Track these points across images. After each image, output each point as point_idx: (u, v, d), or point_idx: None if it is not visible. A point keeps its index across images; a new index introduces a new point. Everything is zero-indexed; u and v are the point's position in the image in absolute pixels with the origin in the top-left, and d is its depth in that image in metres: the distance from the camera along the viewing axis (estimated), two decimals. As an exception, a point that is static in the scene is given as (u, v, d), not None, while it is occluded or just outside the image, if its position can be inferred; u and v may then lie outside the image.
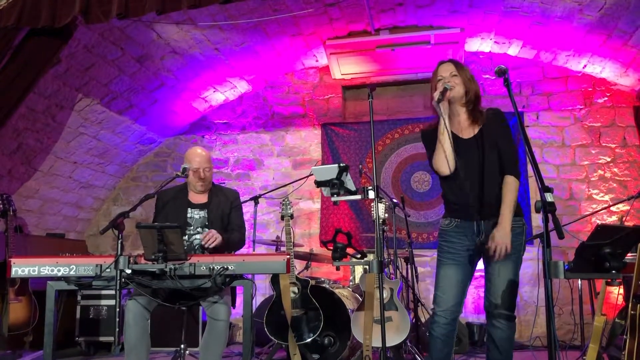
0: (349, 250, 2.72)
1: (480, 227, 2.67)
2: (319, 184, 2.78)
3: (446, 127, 2.64)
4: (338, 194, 2.73)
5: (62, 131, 5.12)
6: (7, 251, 4.34)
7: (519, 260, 2.65)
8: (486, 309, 2.68)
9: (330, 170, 2.74)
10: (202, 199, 3.44)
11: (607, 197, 5.50)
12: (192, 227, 3.35)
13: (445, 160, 2.67)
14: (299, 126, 6.35)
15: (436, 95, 2.62)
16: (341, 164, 2.75)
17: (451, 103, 2.72)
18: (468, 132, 2.74)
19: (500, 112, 2.76)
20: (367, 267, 2.65)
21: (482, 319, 5.48)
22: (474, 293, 5.58)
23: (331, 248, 2.67)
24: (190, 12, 4.44)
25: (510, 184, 2.62)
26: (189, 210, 3.38)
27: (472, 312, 5.56)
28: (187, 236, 3.32)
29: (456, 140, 2.70)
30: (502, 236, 2.53)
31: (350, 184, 2.76)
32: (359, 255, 2.78)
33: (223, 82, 6.02)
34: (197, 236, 3.33)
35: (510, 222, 2.56)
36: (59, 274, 2.63)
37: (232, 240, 3.33)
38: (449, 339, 2.68)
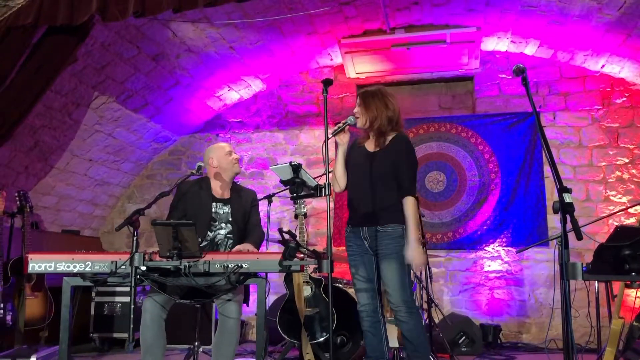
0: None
1: (364, 233, 2.99)
2: (284, 182, 2.83)
3: (342, 155, 3.09)
4: (297, 192, 2.76)
5: (78, 129, 5.17)
6: (23, 247, 4.38)
7: (401, 258, 2.86)
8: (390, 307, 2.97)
9: (285, 170, 2.77)
10: (225, 194, 3.40)
11: (624, 199, 5.42)
12: (216, 222, 3.30)
13: (335, 181, 3.12)
14: (313, 125, 6.34)
15: (331, 131, 2.95)
16: (292, 163, 2.79)
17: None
18: (371, 147, 3.11)
19: (404, 137, 3.13)
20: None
21: (496, 320, 5.43)
22: (488, 294, 5.53)
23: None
24: (206, 10, 4.46)
25: (410, 204, 2.91)
26: (214, 204, 3.32)
27: (486, 313, 5.51)
28: (211, 232, 3.28)
29: (366, 152, 3.11)
30: (410, 254, 2.84)
31: (310, 181, 2.79)
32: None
33: (238, 81, 6.03)
34: (221, 231, 3.30)
35: (415, 240, 2.85)
36: (75, 270, 2.65)
37: (257, 241, 3.33)
38: (377, 330, 2.98)
